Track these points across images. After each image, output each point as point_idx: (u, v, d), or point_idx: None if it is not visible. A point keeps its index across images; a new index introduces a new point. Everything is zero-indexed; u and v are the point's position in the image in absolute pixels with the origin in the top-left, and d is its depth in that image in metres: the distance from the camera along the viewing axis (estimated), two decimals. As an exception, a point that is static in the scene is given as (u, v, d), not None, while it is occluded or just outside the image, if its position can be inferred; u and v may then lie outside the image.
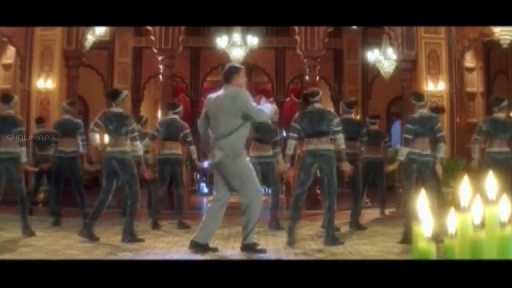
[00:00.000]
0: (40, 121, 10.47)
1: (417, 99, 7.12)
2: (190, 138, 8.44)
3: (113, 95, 7.16)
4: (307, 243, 6.98)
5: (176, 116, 8.51)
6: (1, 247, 6.39)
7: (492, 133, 7.47)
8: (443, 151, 7.03)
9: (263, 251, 6.07)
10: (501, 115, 7.47)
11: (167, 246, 6.74)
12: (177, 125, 8.46)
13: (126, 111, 7.17)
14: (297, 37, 12.15)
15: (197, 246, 6.03)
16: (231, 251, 6.37)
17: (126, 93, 7.26)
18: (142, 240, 6.88)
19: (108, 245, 6.68)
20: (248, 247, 6.05)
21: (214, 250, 6.13)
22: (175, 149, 8.52)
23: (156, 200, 8.59)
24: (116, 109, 7.02)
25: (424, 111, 7.05)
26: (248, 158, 6.48)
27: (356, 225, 8.19)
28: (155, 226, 8.22)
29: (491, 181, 1.36)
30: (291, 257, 6.10)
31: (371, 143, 9.03)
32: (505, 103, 7.52)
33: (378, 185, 9.90)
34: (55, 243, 6.72)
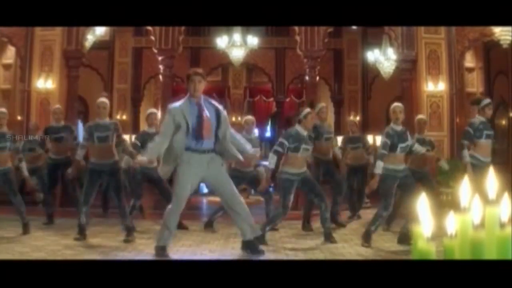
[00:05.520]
0: (35, 128, 9.43)
1: None
2: None
3: None
4: (307, 243, 6.98)
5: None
6: (0, 247, 6.39)
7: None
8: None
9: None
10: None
11: (167, 246, 6.73)
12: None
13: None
14: (297, 37, 12.14)
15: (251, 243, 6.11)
16: (231, 251, 6.37)
17: None
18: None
19: (108, 245, 6.68)
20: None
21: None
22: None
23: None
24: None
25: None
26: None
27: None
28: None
29: (492, 180, 1.36)
30: (291, 257, 6.11)
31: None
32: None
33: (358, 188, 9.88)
34: (54, 243, 6.72)
